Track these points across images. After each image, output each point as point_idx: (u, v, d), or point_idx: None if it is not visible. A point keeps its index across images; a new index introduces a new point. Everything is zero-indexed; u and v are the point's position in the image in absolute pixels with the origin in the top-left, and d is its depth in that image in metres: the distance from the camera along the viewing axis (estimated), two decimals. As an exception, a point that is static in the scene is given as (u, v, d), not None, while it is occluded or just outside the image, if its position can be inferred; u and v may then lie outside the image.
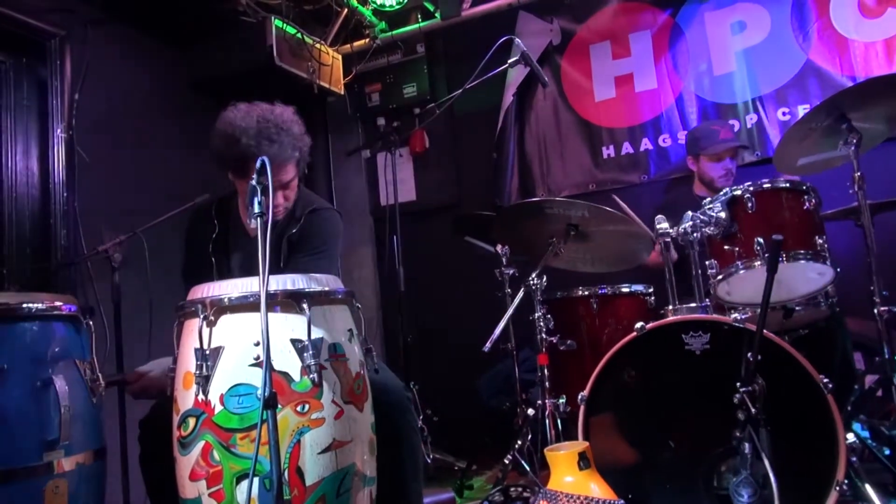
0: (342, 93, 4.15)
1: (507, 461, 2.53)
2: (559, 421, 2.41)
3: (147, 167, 3.40)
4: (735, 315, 2.01)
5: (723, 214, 2.24)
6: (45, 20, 3.00)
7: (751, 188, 2.24)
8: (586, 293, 2.80)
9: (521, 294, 2.44)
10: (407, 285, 3.70)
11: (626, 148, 3.97)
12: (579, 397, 2.14)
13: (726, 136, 3.22)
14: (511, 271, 3.07)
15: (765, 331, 1.85)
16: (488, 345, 2.30)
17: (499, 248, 3.09)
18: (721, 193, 2.30)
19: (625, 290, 2.82)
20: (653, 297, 2.83)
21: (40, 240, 2.97)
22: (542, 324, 2.49)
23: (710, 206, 2.27)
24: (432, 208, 4.42)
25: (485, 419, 3.82)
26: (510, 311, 2.40)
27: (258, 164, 1.45)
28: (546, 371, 2.46)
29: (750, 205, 2.22)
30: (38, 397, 1.45)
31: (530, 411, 2.54)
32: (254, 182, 1.46)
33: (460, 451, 3.68)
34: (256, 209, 1.44)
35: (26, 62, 3.05)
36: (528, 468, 2.51)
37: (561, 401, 2.47)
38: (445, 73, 4.44)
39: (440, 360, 4.08)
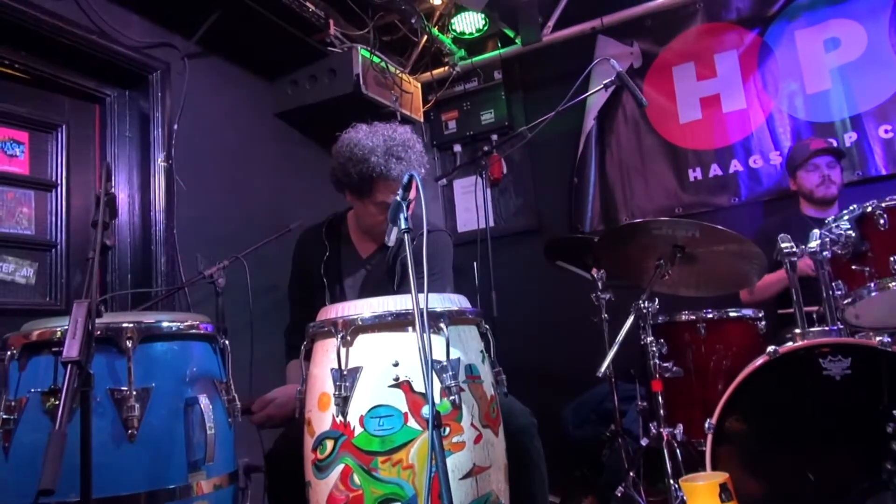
0: (421, 121, 4.17)
1: (619, 494, 2.42)
2: (678, 451, 2.29)
3: (239, 195, 3.46)
4: (879, 338, 1.88)
5: (852, 232, 2.13)
6: (146, 55, 3.10)
7: (882, 204, 2.12)
8: (692, 318, 2.70)
9: (631, 318, 2.35)
10: (490, 311, 3.64)
11: (715, 170, 3.86)
12: (706, 425, 2.03)
13: (818, 145, 3.15)
14: (607, 296, 2.98)
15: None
16: (602, 370, 2.22)
17: (594, 272, 3.01)
18: (847, 210, 2.19)
19: (733, 314, 2.71)
20: (763, 322, 2.70)
21: (141, 267, 3.02)
22: (654, 349, 2.39)
23: (837, 223, 2.16)
24: (511, 234, 4.38)
25: (569, 450, 3.71)
26: (621, 336, 2.30)
27: (406, 178, 1.42)
28: (661, 398, 2.35)
29: (882, 221, 2.10)
30: (183, 417, 1.43)
31: (643, 441, 2.42)
32: (398, 198, 1.43)
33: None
34: (403, 224, 1.41)
35: (129, 95, 3.15)
36: (641, 501, 2.39)
37: (678, 430, 2.35)
38: (523, 100, 4.44)
39: (522, 389, 3.99)
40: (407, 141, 1.97)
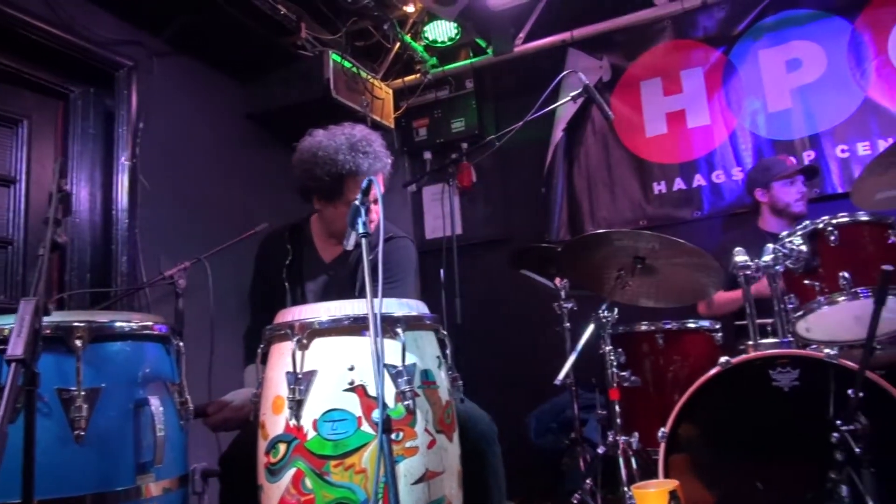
0: (392, 127, 4.18)
1: (574, 501, 2.44)
2: (633, 459, 2.32)
3: (204, 196, 3.43)
4: (827, 350, 1.93)
5: (804, 248, 2.19)
6: (114, 51, 3.07)
7: (833, 221, 2.18)
8: (651, 328, 2.75)
9: (591, 328, 2.39)
10: (454, 318, 3.66)
11: (679, 184, 3.94)
12: (659, 434, 2.07)
13: (792, 162, 3.26)
14: (570, 305, 3.02)
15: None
16: (560, 378, 2.25)
17: (557, 281, 3.05)
18: (800, 226, 2.25)
19: (691, 325, 2.76)
20: (720, 334, 2.76)
21: (101, 266, 2.98)
22: (612, 358, 2.43)
23: (790, 238, 2.22)
24: (478, 242, 4.40)
25: (531, 458, 3.73)
26: (580, 345, 2.34)
27: (365, 184, 1.43)
28: (618, 407, 2.39)
29: (833, 238, 2.17)
30: (133, 419, 1.42)
31: (600, 449, 2.45)
32: (357, 202, 1.44)
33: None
34: (361, 229, 1.42)
35: (94, 92, 3.10)
36: (596, 509, 2.42)
37: (633, 438, 2.38)
38: (494, 109, 4.47)
39: (486, 395, 4.01)
40: (367, 136, 1.99)
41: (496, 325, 4.16)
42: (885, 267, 1.64)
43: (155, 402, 1.43)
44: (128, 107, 3.09)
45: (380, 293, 1.32)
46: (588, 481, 2.48)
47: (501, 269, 3.83)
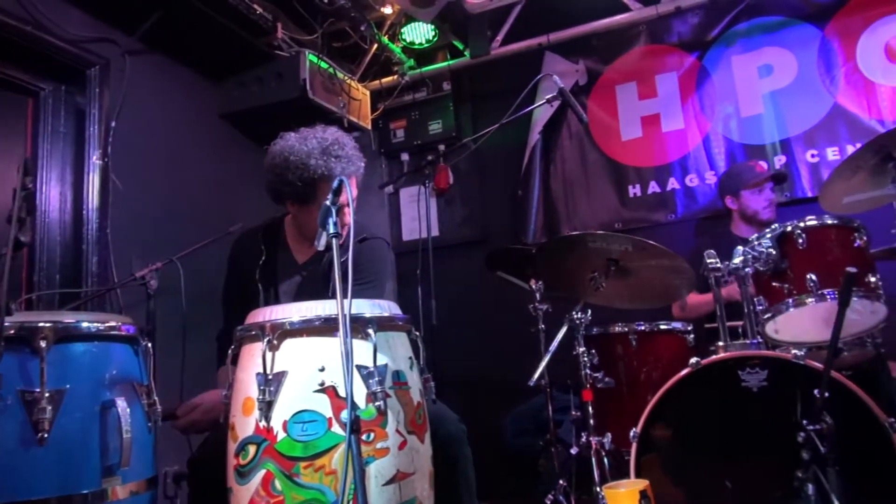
0: (369, 128, 4.17)
1: (548, 501, 2.45)
2: (605, 460, 2.34)
3: (177, 196, 3.39)
4: (795, 351, 1.97)
5: (773, 250, 2.23)
6: (86, 49, 3.02)
7: (801, 224, 2.23)
8: (624, 330, 2.77)
9: (564, 329, 2.40)
10: (430, 320, 3.65)
11: (653, 187, 3.98)
12: (631, 434, 2.09)
13: (762, 169, 3.30)
14: (545, 307, 3.03)
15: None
16: (534, 379, 2.26)
17: (532, 283, 3.06)
18: (769, 229, 2.29)
19: (664, 327, 2.79)
20: (692, 336, 2.79)
21: (71, 266, 2.93)
22: (585, 359, 2.44)
23: (759, 241, 2.26)
24: (455, 244, 4.41)
25: (507, 459, 3.74)
26: (554, 346, 2.35)
27: (335, 184, 1.43)
28: (591, 408, 2.40)
29: (801, 241, 2.21)
30: (99, 421, 1.39)
31: (573, 450, 2.47)
32: (328, 202, 1.44)
33: (480, 492, 3.58)
34: (332, 229, 1.41)
35: (65, 90, 3.06)
36: (569, 509, 2.43)
37: (606, 438, 2.40)
38: (471, 111, 4.49)
39: (461, 397, 4.01)
40: (339, 139, 1.99)
41: (472, 327, 4.17)
42: (848, 269, 1.67)
43: (122, 404, 1.41)
44: (99, 105, 3.05)
45: (349, 294, 1.31)
46: (562, 482, 2.48)
47: (477, 271, 3.84)
